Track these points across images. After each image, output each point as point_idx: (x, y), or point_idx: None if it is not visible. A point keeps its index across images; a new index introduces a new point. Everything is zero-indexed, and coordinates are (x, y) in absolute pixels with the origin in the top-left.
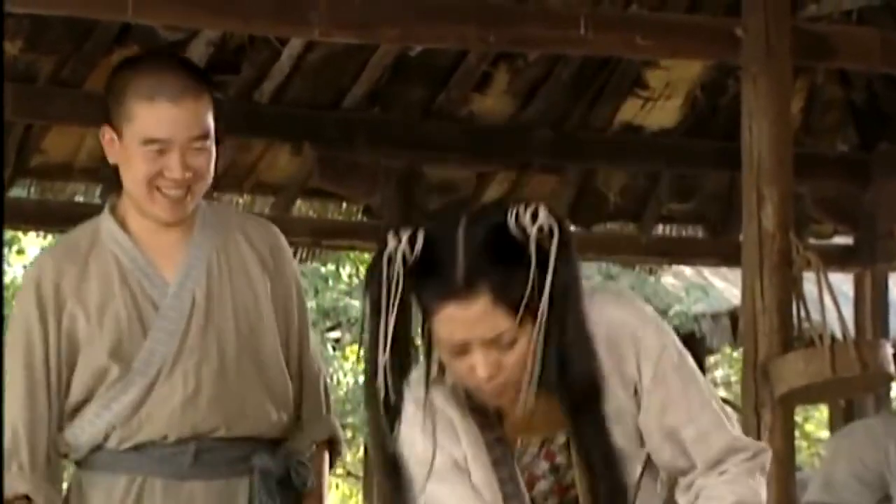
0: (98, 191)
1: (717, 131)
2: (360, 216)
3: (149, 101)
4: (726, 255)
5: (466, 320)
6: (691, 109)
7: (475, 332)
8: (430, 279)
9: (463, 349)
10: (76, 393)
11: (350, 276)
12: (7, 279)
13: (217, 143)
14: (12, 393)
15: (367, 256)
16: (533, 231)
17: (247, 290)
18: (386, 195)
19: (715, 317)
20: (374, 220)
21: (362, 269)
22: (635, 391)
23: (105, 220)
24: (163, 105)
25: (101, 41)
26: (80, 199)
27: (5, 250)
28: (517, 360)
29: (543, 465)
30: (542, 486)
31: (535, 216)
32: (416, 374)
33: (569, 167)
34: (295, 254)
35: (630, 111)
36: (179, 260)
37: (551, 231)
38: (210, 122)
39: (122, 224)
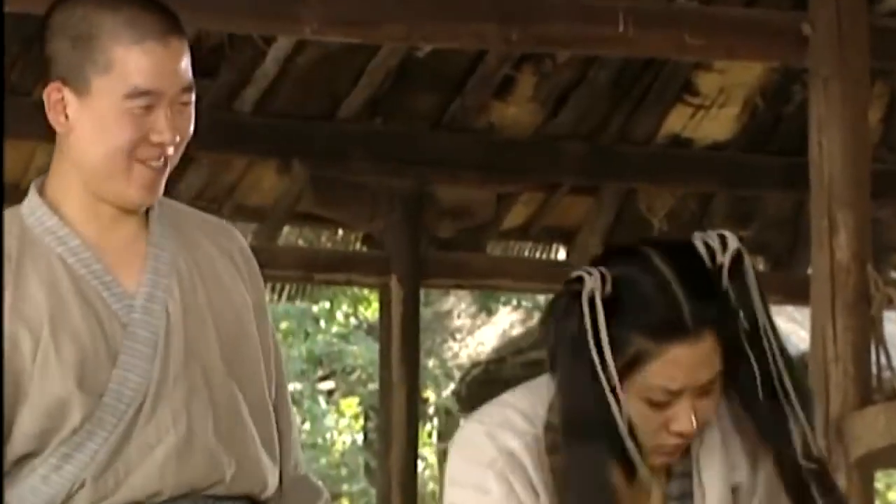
0: None
1: (780, 145)
2: (358, 245)
3: (134, 43)
4: (792, 291)
5: (692, 363)
6: (750, 120)
7: (697, 375)
8: (640, 321)
9: (669, 399)
10: (21, 443)
11: (346, 317)
12: None
13: (189, 160)
14: None
15: (366, 293)
16: (727, 259)
17: (225, 305)
18: (389, 221)
19: None
20: (375, 250)
21: (360, 309)
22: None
23: (35, 211)
24: (151, 47)
25: None
26: None
27: None
28: (713, 407)
29: None
30: None
31: (724, 244)
32: (500, 418)
33: (605, 187)
34: (282, 289)
35: (678, 122)
36: (139, 264)
37: (740, 258)
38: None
39: (57, 214)
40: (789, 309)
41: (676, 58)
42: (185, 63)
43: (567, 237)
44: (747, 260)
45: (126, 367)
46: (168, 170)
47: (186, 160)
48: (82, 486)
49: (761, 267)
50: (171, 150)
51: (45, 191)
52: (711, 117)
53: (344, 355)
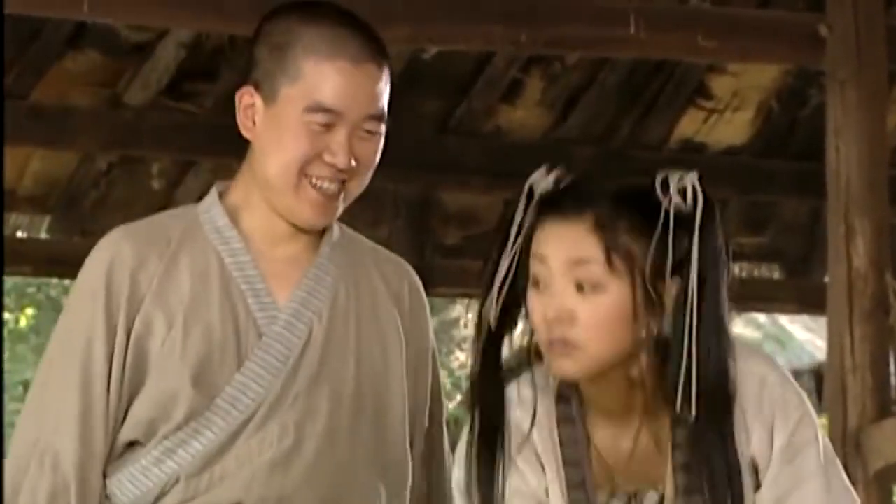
0: (45, 224)
1: (795, 150)
2: None
3: (327, 58)
4: (808, 299)
5: (563, 237)
6: (765, 124)
7: (565, 250)
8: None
9: (544, 279)
10: (131, 428)
11: None
12: None
13: (188, 165)
14: (61, 416)
15: None
16: (672, 187)
17: (375, 341)
18: (395, 227)
19: (795, 374)
20: None
21: None
22: (755, 468)
23: (211, 208)
24: (342, 66)
25: (51, 44)
26: (22, 234)
27: None
28: (594, 316)
29: None
30: None
31: (681, 179)
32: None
33: None
34: None
35: (690, 126)
36: (297, 280)
37: (695, 199)
38: (386, 102)
39: (233, 218)
40: (805, 318)
41: (689, 60)
42: (378, 91)
43: None
44: (703, 204)
45: (251, 375)
46: (343, 197)
47: (185, 165)
48: (177, 482)
49: (776, 274)
50: (345, 176)
51: (225, 194)
52: (725, 121)
53: None
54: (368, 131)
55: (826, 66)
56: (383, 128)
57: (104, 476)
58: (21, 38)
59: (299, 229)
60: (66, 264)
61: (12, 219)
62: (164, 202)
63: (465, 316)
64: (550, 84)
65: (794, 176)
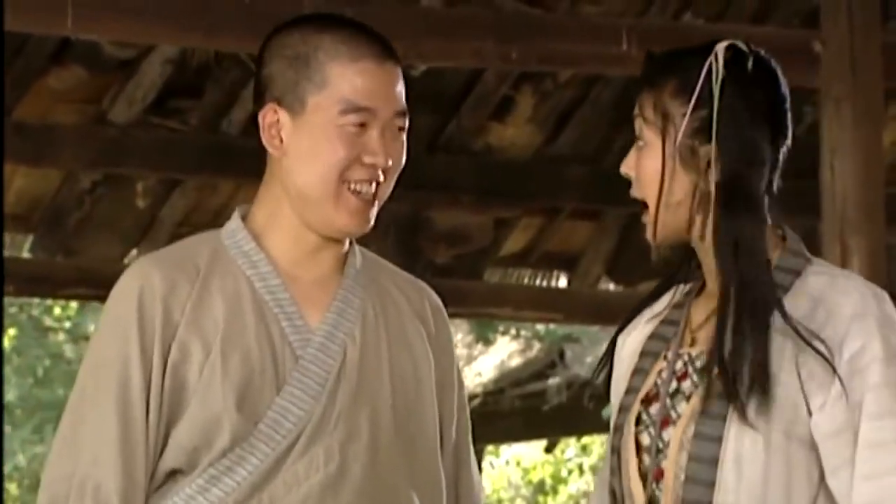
0: (28, 243)
1: (790, 168)
2: None
3: (351, 61)
4: None
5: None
6: None
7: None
8: None
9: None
10: (173, 457)
11: None
12: None
13: (174, 184)
14: (100, 448)
15: None
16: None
17: (405, 358)
18: (384, 246)
19: None
20: None
21: None
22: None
23: (236, 233)
24: (367, 66)
25: (35, 60)
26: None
27: None
28: (641, 170)
29: (673, 385)
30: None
31: (730, 47)
32: None
33: (608, 211)
34: None
35: None
36: (327, 302)
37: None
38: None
39: (258, 241)
40: None
41: None
42: (400, 89)
43: (568, 264)
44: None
45: (290, 398)
46: (377, 202)
47: (171, 184)
48: None
49: None
50: (382, 177)
51: (249, 218)
52: None
53: None
54: (398, 128)
55: (820, 83)
56: (407, 123)
57: None
58: (3, 54)
59: (330, 241)
60: (49, 284)
61: None
62: (150, 221)
63: (454, 336)
64: (542, 101)
65: (789, 194)
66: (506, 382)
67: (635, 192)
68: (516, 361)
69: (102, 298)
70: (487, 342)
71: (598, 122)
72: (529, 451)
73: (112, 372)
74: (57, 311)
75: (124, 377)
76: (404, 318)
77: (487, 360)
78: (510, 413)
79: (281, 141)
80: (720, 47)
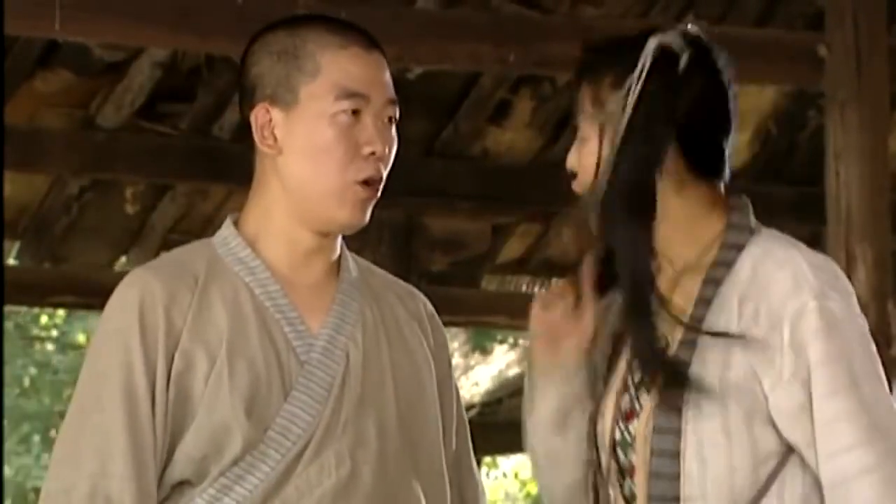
0: (14, 250)
1: (794, 174)
2: None
3: (341, 48)
4: None
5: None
6: (762, 147)
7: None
8: None
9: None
10: (181, 468)
11: None
12: None
13: (164, 189)
14: (108, 458)
15: None
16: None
17: (406, 362)
18: (379, 253)
19: None
20: None
21: None
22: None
23: (229, 241)
24: (357, 52)
25: (21, 63)
26: None
27: None
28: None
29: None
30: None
31: (666, 34)
32: None
33: None
34: None
35: None
36: (326, 306)
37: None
38: None
39: (252, 248)
40: None
41: None
42: (388, 78)
43: (566, 271)
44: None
45: (298, 404)
46: (376, 194)
47: (161, 189)
48: None
49: None
50: (382, 166)
51: (241, 224)
52: None
53: None
54: (390, 118)
55: (825, 87)
56: (398, 113)
57: None
58: (3, 55)
59: (325, 244)
60: (36, 292)
61: None
62: (139, 228)
63: (450, 345)
64: (540, 105)
65: (793, 201)
66: (503, 393)
67: (576, 187)
68: (514, 371)
69: (91, 306)
70: (484, 351)
71: None
72: (527, 463)
73: (115, 381)
74: (44, 319)
75: (129, 386)
76: (402, 323)
77: (485, 370)
78: (508, 424)
79: (275, 140)
80: (649, 47)
